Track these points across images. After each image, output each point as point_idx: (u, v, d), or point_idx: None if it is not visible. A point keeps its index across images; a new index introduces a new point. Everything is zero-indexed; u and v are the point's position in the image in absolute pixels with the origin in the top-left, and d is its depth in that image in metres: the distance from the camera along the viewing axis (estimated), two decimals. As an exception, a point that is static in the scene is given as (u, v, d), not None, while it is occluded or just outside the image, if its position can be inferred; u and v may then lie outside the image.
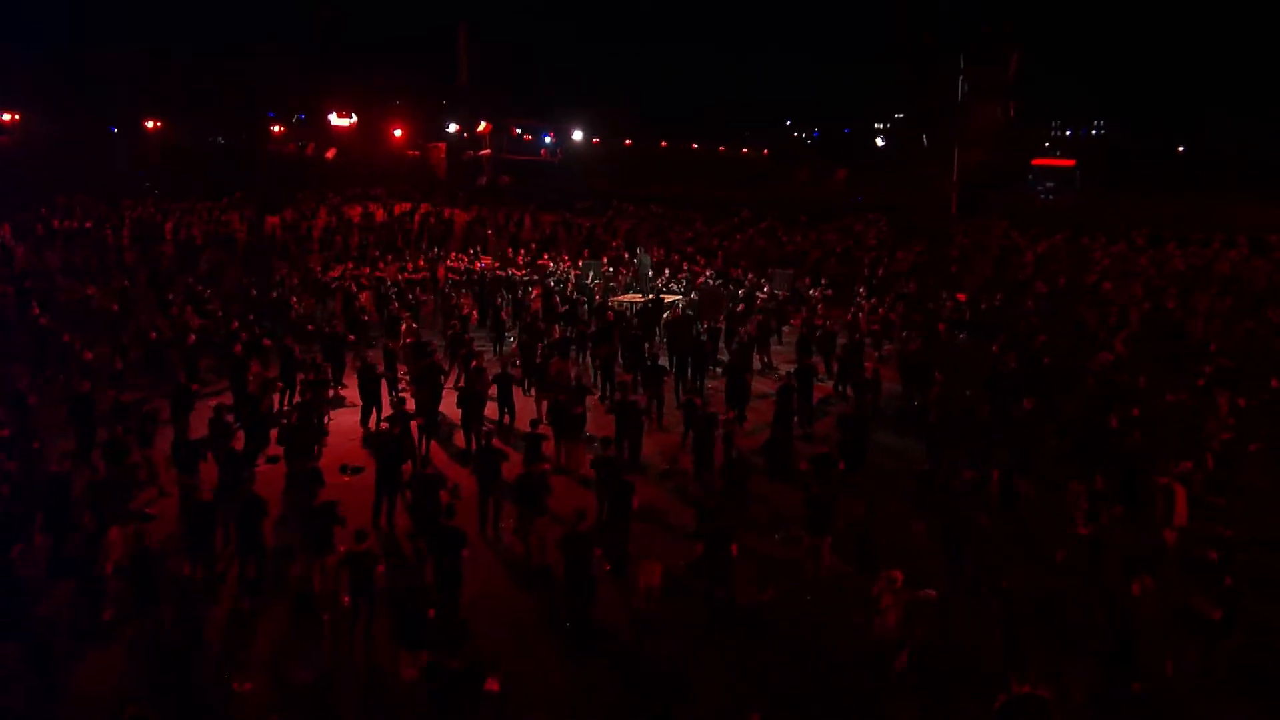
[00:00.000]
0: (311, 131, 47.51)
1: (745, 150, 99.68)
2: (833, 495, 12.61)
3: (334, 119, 48.07)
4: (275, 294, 25.72)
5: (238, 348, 18.29)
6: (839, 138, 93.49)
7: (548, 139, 75.76)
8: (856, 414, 16.89)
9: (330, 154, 46.47)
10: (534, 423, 15.09)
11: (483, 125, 63.16)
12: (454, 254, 35.09)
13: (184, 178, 52.80)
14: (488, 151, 63.73)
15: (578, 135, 64.90)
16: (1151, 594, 10.16)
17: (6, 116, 57.39)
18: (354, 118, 48.63)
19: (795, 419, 17.38)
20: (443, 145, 64.54)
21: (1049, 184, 74.88)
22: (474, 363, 17.68)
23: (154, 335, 20.25)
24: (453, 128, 65.05)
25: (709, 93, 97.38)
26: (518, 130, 65.67)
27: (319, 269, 30.95)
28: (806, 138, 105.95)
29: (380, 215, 45.43)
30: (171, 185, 51.94)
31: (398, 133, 64.20)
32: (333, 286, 27.15)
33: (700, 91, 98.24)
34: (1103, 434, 15.21)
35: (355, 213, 45.30)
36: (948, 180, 42.81)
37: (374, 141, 63.68)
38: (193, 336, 20.11)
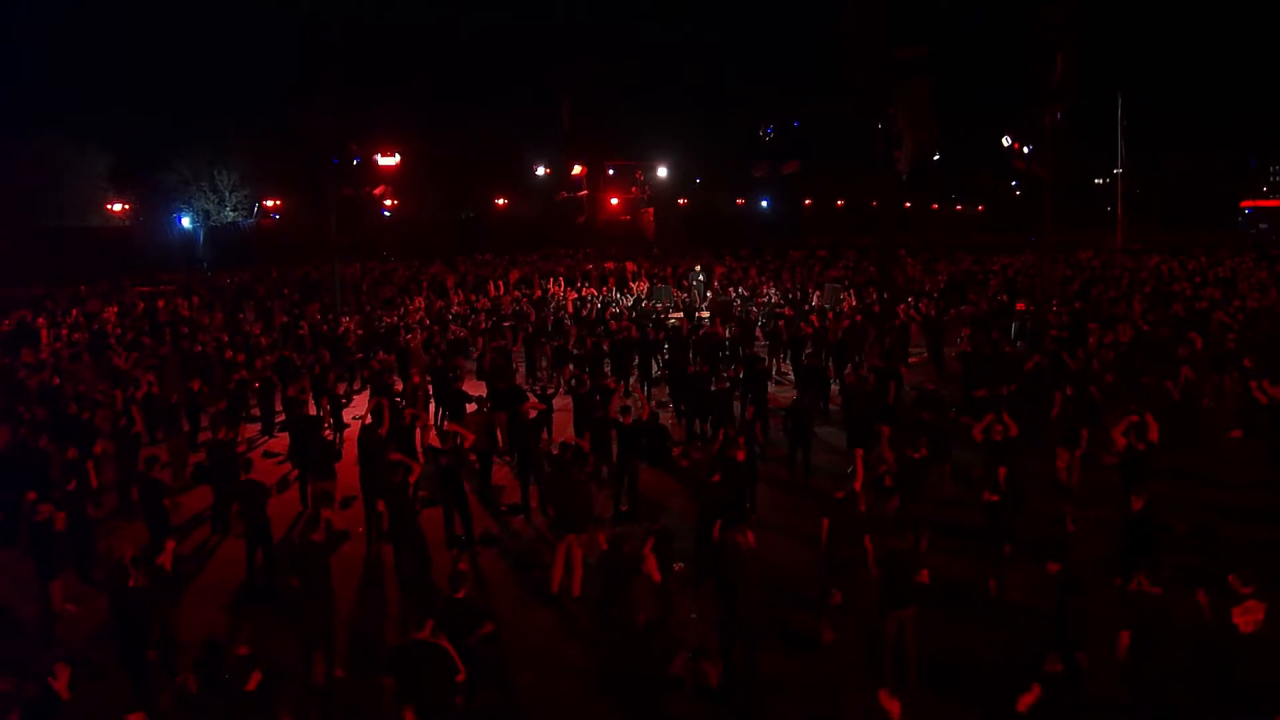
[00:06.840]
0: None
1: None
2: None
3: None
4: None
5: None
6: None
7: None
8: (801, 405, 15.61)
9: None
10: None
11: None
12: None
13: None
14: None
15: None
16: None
17: (271, 202, 65.50)
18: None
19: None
20: (650, 210, 66.60)
21: (1262, 225, 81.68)
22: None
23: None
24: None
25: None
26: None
27: None
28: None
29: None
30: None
31: (614, 200, 69.15)
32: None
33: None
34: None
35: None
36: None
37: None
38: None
